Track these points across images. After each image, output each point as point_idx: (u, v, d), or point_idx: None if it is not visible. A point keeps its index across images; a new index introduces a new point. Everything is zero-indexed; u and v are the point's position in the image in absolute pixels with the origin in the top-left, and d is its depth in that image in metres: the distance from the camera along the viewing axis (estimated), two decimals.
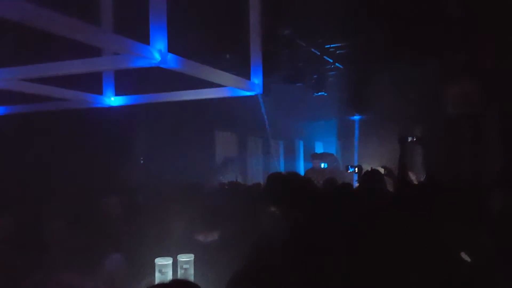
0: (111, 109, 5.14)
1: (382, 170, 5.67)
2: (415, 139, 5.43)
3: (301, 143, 14.62)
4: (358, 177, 6.45)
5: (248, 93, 4.55)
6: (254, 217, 3.43)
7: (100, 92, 4.98)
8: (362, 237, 2.82)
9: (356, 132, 12.03)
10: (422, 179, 6.53)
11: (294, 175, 3.69)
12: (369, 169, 5.74)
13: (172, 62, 3.42)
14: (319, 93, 10.14)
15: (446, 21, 7.22)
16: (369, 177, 5.26)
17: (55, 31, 2.80)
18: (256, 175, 12.17)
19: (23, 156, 6.56)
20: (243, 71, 4.63)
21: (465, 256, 2.68)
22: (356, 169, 6.54)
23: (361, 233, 2.86)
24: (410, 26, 7.42)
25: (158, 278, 2.81)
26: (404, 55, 8.73)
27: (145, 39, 3.27)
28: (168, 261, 2.86)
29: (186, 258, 2.91)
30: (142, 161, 8.99)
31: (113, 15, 4.51)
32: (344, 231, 2.83)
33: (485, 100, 8.93)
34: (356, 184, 6.41)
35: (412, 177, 6.88)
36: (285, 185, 3.35)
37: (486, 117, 9.06)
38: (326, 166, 9.52)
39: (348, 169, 6.77)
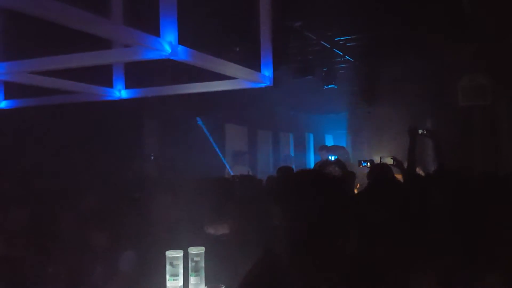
0: (121, 102, 5.12)
1: (391, 161, 5.62)
2: (425, 132, 5.38)
3: (311, 136, 14.61)
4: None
5: (259, 86, 4.52)
6: (264, 210, 3.41)
7: (110, 85, 4.96)
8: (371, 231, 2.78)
9: (367, 125, 11.96)
10: (432, 172, 6.48)
11: (303, 170, 3.68)
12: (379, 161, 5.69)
13: (182, 54, 3.41)
14: (329, 86, 10.12)
15: (457, 13, 7.16)
16: (376, 171, 5.20)
17: (65, 23, 2.79)
18: (267, 168, 12.18)
19: (29, 150, 6.59)
20: (253, 64, 4.60)
21: None
22: (369, 163, 6.43)
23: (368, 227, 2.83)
24: (420, 18, 7.37)
25: (169, 271, 2.81)
26: (415, 47, 8.68)
27: (156, 31, 3.26)
28: (179, 253, 2.85)
29: (197, 251, 2.90)
30: (152, 157, 9.00)
31: (123, 7, 4.49)
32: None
33: (497, 91, 8.88)
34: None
35: (422, 169, 6.82)
36: (294, 177, 3.33)
37: (498, 108, 9.00)
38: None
39: (361, 164, 6.66)
